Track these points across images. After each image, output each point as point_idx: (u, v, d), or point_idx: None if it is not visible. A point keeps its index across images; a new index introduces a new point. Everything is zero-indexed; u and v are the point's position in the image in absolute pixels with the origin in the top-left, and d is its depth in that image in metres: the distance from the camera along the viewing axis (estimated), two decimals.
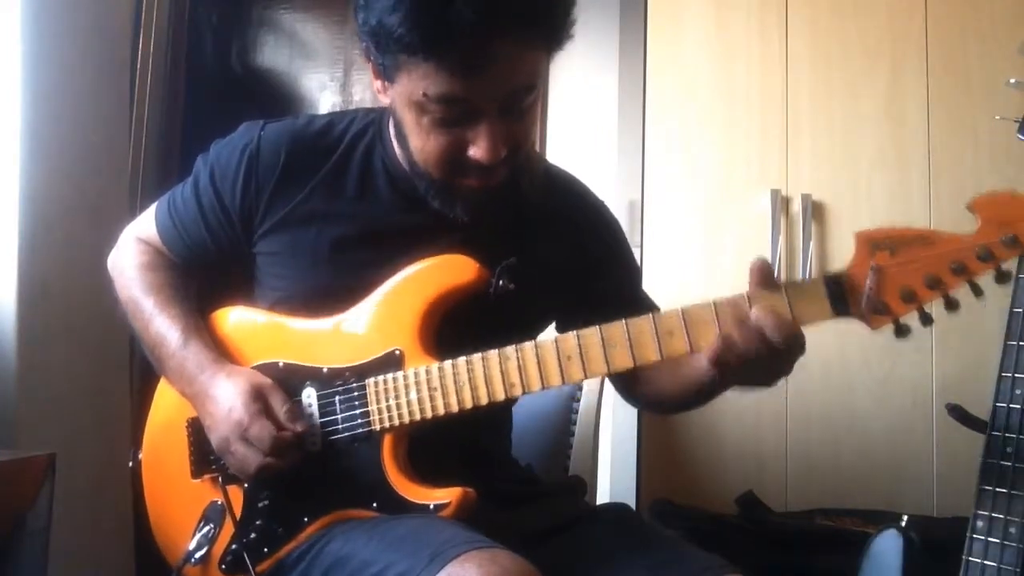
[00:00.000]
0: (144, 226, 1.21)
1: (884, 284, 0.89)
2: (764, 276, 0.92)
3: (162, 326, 1.11)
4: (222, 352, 1.11)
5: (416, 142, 1.01)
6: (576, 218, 1.17)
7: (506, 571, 0.84)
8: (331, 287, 1.08)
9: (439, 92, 0.93)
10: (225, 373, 1.05)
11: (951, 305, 0.89)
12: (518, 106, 0.98)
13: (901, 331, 0.91)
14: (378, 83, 1.02)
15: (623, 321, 0.94)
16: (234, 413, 1.01)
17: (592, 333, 0.95)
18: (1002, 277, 0.89)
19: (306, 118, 1.16)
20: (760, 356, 0.89)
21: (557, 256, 1.13)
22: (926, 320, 0.90)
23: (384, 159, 1.11)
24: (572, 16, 0.98)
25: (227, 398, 1.02)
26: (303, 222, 1.10)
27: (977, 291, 0.89)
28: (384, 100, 1.04)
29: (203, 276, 1.20)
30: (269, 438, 0.99)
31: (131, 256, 1.18)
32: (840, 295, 0.89)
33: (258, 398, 1.02)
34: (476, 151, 0.97)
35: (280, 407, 1.02)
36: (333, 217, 1.09)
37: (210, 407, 1.04)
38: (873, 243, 0.89)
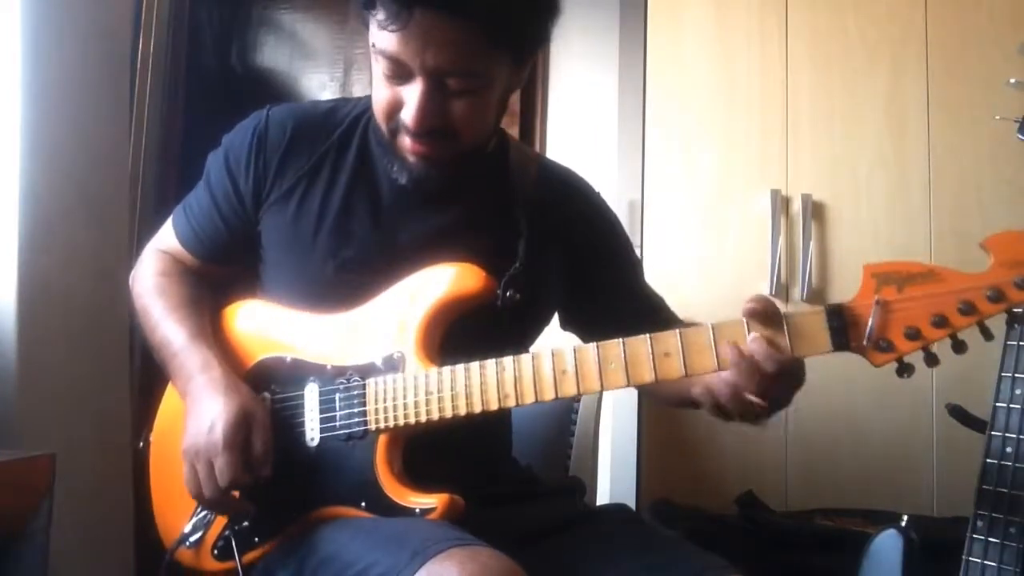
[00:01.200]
0: (163, 237, 1.23)
1: (888, 320, 0.86)
2: (762, 314, 0.89)
3: (169, 329, 1.12)
4: (233, 344, 1.13)
5: (373, 91, 1.06)
6: (573, 211, 1.19)
7: (486, 568, 0.84)
8: (330, 262, 1.10)
9: (380, 46, 0.98)
10: (225, 385, 1.04)
11: (959, 347, 0.86)
12: (453, 86, 0.99)
13: (904, 370, 0.88)
14: None
15: (620, 340, 0.93)
16: (214, 433, 1.00)
17: (588, 349, 0.94)
18: (1014, 319, 0.87)
19: (312, 101, 1.20)
20: (757, 389, 0.88)
21: (556, 250, 1.14)
22: (931, 360, 0.88)
23: (379, 135, 1.12)
24: (533, 24, 1.01)
25: (215, 413, 1.01)
26: (305, 196, 1.12)
27: (987, 335, 0.86)
28: None
29: (220, 279, 1.21)
30: (230, 479, 0.99)
31: (149, 265, 1.21)
32: (842, 329, 0.87)
33: (243, 428, 1.01)
34: (404, 113, 1.01)
35: (259, 444, 1.01)
36: (333, 191, 1.12)
37: (197, 410, 1.04)
38: (879, 277, 0.87)
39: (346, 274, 1.09)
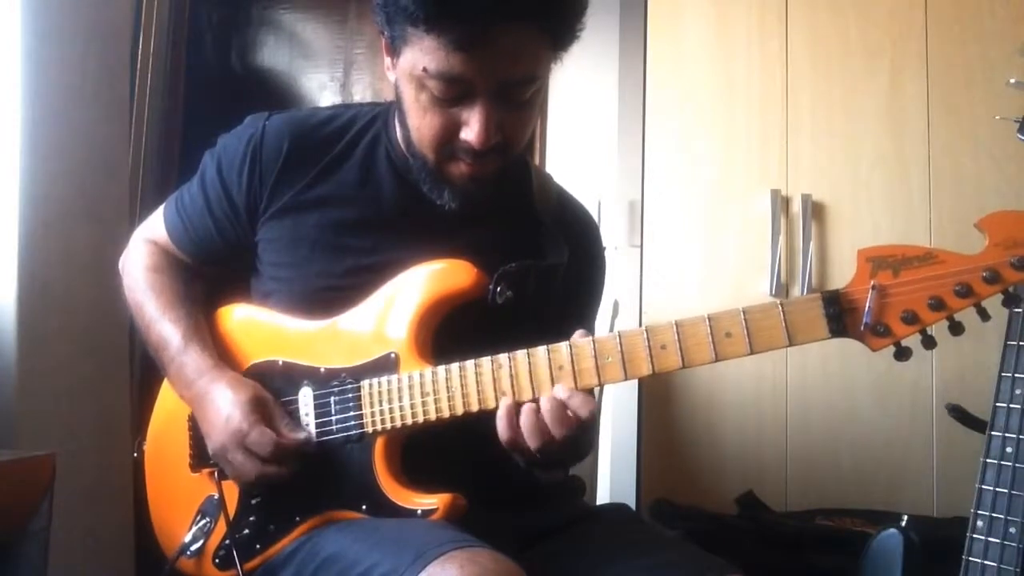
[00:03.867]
0: (152, 227, 1.22)
1: (885, 305, 0.86)
2: None
3: (164, 329, 1.11)
4: (224, 349, 1.12)
5: (413, 120, 1.02)
6: (580, 247, 1.18)
7: (487, 571, 0.84)
8: (328, 274, 1.09)
9: (439, 68, 0.94)
10: (225, 381, 1.05)
11: (956, 328, 0.86)
12: (517, 96, 0.98)
13: (902, 353, 0.89)
14: (387, 60, 1.04)
15: (616, 332, 0.93)
16: (232, 422, 1.01)
17: (585, 344, 0.94)
18: (1010, 300, 0.86)
19: (311, 109, 1.18)
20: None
21: (558, 274, 1.13)
22: (929, 343, 0.88)
23: (388, 149, 1.12)
24: (581, 20, 0.99)
25: (225, 406, 1.02)
26: (304, 209, 1.11)
27: (984, 316, 0.86)
28: (391, 78, 1.05)
29: (210, 275, 1.21)
30: (270, 444, 1.00)
31: (139, 258, 1.20)
32: (838, 315, 0.87)
33: (257, 409, 1.02)
34: (468, 133, 0.97)
35: (280, 418, 1.03)
36: (333, 204, 1.10)
37: (208, 414, 1.04)
38: (875, 261, 0.87)
39: (345, 289, 1.08)
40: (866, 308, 0.86)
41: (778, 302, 0.89)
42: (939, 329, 0.89)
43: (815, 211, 1.98)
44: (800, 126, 2.01)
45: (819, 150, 2.00)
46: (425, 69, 0.95)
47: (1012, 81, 1.26)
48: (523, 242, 1.12)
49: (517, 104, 0.99)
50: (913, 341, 0.89)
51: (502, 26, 0.91)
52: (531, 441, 0.93)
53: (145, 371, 1.75)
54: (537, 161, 2.42)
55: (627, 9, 2.30)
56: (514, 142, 1.02)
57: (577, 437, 0.94)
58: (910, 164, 1.96)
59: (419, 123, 1.01)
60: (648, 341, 0.92)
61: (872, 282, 0.87)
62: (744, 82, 2.04)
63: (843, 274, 1.94)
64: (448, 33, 0.91)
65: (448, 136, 0.99)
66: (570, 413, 0.93)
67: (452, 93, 0.96)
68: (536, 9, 0.93)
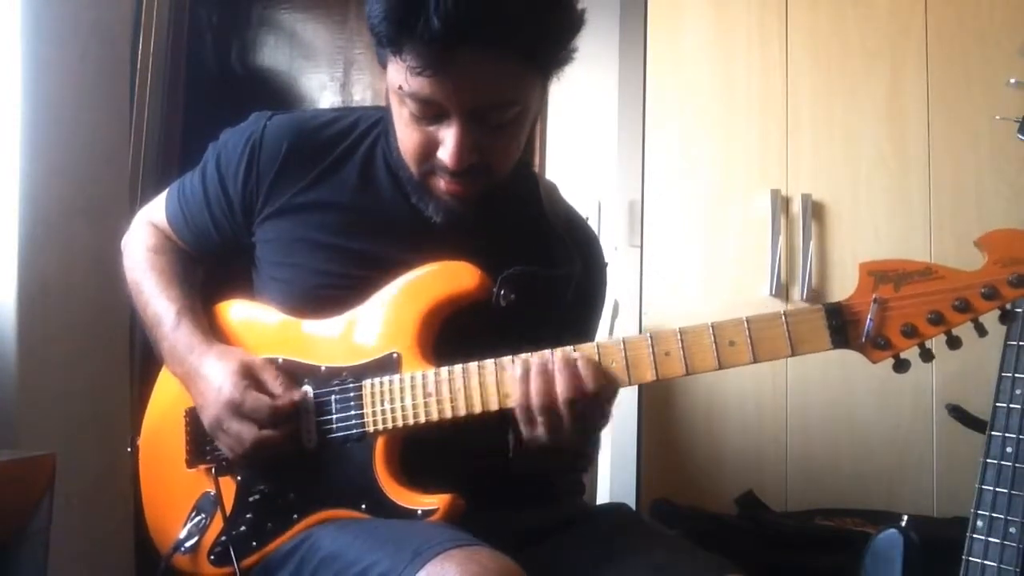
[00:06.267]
0: (156, 210, 1.23)
1: (886, 318, 0.89)
2: None
3: (159, 307, 1.12)
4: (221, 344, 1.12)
5: (398, 133, 1.03)
6: (588, 261, 1.18)
7: (486, 570, 0.84)
8: (326, 274, 1.09)
9: (410, 89, 0.95)
10: (214, 353, 1.06)
11: (953, 343, 0.88)
12: (494, 118, 0.97)
13: (901, 366, 0.91)
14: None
15: (621, 338, 0.94)
16: (224, 391, 1.01)
17: (588, 348, 0.95)
18: (1007, 316, 0.88)
19: (315, 110, 1.17)
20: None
21: (564, 282, 1.13)
22: (927, 356, 0.90)
23: (387, 155, 1.12)
24: (564, 43, 0.98)
25: (216, 377, 1.03)
26: (302, 210, 1.11)
27: (981, 331, 0.88)
28: None
29: (209, 267, 1.22)
30: (266, 408, 1.00)
31: (140, 238, 1.21)
32: (840, 327, 0.89)
33: (247, 375, 1.02)
34: (443, 152, 0.98)
35: (273, 380, 1.03)
36: (332, 207, 1.10)
37: (200, 386, 1.05)
38: (876, 275, 0.89)
39: (343, 291, 1.07)
40: (868, 321, 0.88)
41: (782, 312, 0.91)
42: (937, 343, 0.91)
43: (815, 211, 1.98)
44: (800, 126, 2.01)
45: (819, 150, 2.00)
46: (400, 88, 0.96)
47: (1012, 81, 1.26)
48: (527, 249, 1.12)
49: (495, 126, 0.98)
50: (911, 354, 0.91)
51: (462, 50, 0.90)
52: (536, 397, 0.93)
53: (145, 371, 1.75)
54: (537, 162, 2.43)
55: (627, 9, 2.30)
56: (495, 164, 1.02)
57: (582, 413, 0.94)
58: (910, 164, 1.97)
59: (403, 137, 1.02)
60: (652, 348, 0.93)
61: (874, 295, 0.89)
62: (744, 82, 2.04)
63: (843, 274, 1.95)
64: (410, 56, 0.92)
65: (427, 153, 1.00)
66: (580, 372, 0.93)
67: (428, 113, 0.97)
68: (496, 34, 0.91)
